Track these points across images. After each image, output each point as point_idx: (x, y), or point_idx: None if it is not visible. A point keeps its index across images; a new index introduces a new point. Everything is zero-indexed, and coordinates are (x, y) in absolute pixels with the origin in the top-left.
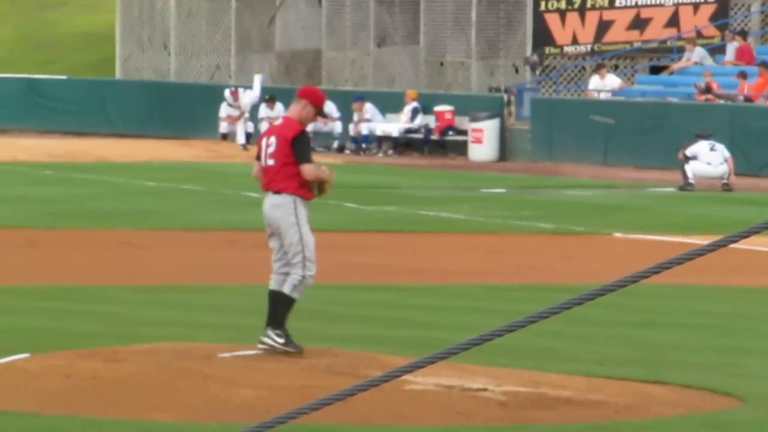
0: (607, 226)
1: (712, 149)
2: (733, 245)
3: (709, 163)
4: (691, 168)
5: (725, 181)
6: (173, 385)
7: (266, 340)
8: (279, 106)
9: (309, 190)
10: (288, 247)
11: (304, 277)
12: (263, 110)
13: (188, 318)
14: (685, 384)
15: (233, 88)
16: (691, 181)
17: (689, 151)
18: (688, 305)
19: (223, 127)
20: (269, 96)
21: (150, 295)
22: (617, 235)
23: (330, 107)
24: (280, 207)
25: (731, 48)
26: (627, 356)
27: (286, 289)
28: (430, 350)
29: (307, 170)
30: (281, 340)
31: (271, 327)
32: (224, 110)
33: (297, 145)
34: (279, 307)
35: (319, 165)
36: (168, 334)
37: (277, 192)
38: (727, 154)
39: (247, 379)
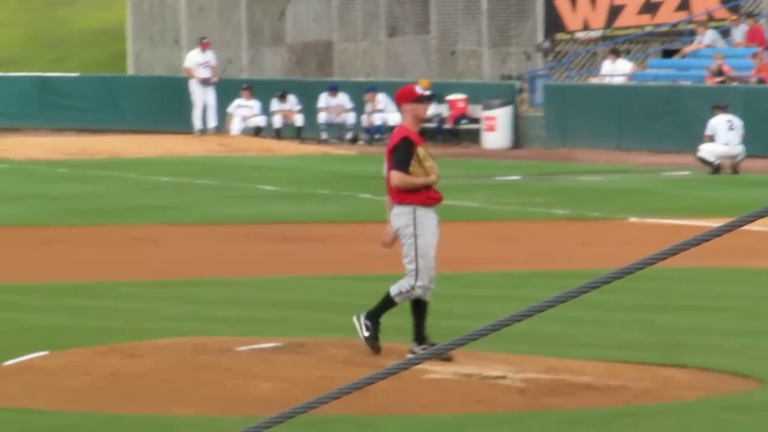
0: (622, 211)
1: (730, 128)
2: (748, 227)
3: (726, 144)
4: (709, 150)
5: (736, 161)
6: (192, 379)
7: (356, 322)
8: (291, 99)
9: (431, 196)
10: (404, 256)
11: (412, 287)
12: (275, 104)
13: (205, 312)
14: (703, 367)
15: (245, 86)
16: (716, 162)
17: (708, 129)
18: (705, 288)
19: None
20: (281, 91)
21: (166, 290)
22: (632, 219)
23: (343, 98)
24: (398, 217)
25: (742, 30)
26: (645, 340)
27: (392, 291)
28: (447, 339)
29: (394, 177)
30: (366, 333)
31: (365, 316)
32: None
33: (395, 153)
34: (380, 303)
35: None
36: (185, 328)
37: (398, 203)
38: (743, 131)
39: (266, 372)
